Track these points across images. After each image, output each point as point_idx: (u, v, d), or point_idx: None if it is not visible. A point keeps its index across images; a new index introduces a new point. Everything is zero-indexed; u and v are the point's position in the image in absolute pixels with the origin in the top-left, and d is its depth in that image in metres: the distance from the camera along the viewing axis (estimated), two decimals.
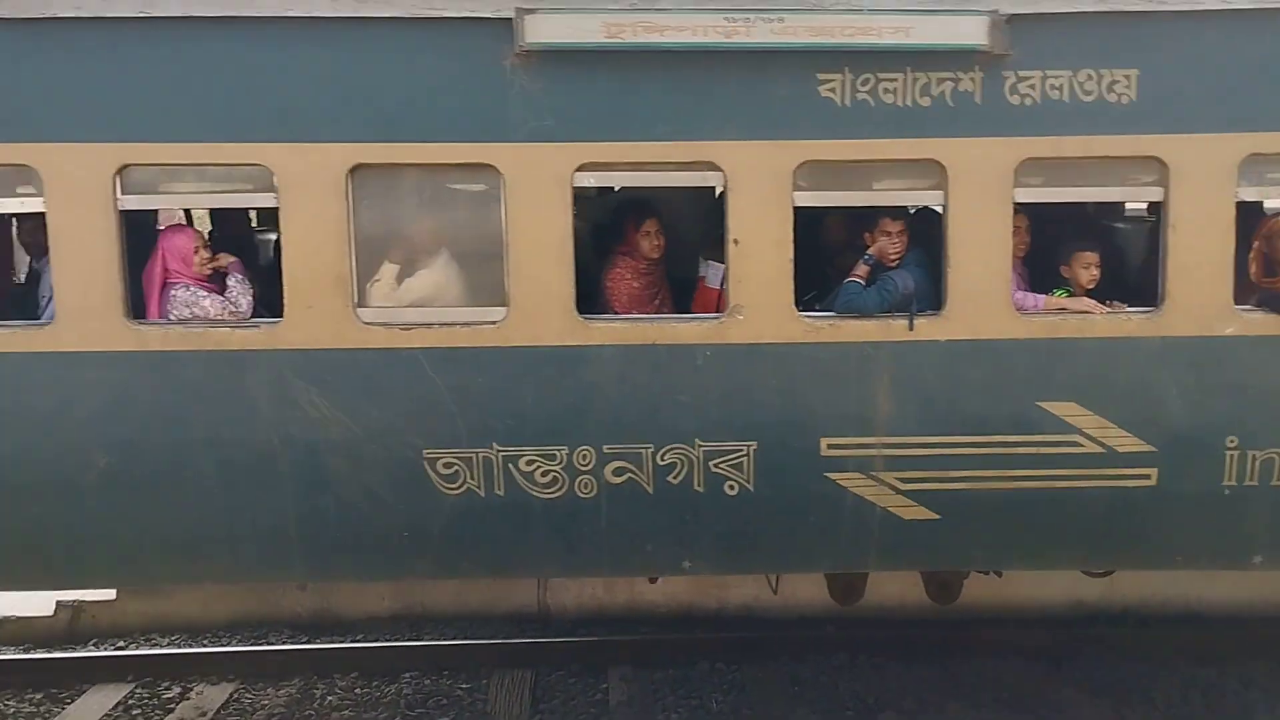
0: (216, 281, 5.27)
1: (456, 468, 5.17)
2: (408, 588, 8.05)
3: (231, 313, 5.10)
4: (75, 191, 4.91)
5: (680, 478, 5.21)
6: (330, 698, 7.03)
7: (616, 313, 5.40)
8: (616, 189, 6.10)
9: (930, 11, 4.90)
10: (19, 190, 5.06)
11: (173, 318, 5.12)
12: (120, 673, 7.17)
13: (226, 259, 5.29)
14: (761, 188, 5.05)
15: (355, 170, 4.97)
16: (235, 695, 7.03)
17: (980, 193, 5.05)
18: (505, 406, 5.14)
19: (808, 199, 5.11)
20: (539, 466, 5.19)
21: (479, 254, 5.20)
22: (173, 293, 5.13)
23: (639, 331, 5.16)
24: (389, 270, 5.18)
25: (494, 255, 5.11)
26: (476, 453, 5.16)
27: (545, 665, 7.41)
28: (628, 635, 7.80)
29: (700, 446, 5.19)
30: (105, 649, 7.63)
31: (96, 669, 7.20)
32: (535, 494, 5.22)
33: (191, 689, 7.10)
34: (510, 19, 4.89)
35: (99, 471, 5.07)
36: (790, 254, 5.09)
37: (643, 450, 5.19)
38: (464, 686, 7.16)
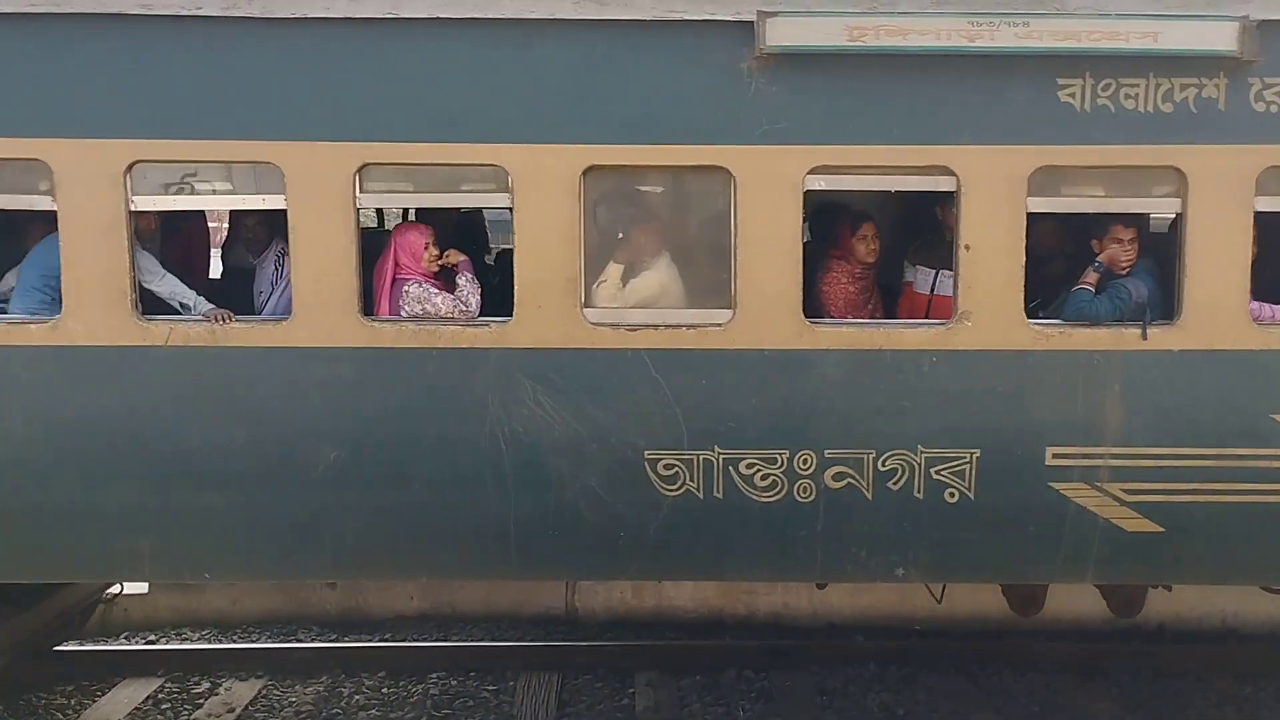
0: (442, 279, 5.32)
1: (677, 469, 5.18)
2: (437, 588, 8.10)
3: (462, 311, 5.14)
4: (317, 189, 4.97)
5: (900, 484, 5.18)
6: (358, 696, 7.09)
7: (831, 317, 5.38)
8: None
9: (1180, 16, 4.82)
10: (260, 187, 5.13)
11: (404, 313, 5.18)
12: (150, 667, 7.28)
13: (456, 256, 5.34)
14: (995, 193, 5.00)
15: (589, 171, 5.00)
16: (263, 691, 7.11)
17: (1220, 201, 4.97)
18: (728, 409, 5.13)
19: (1041, 205, 5.05)
20: (759, 470, 5.18)
21: (705, 256, 5.22)
22: (405, 288, 5.19)
23: (865, 336, 5.13)
24: (615, 271, 5.20)
25: (720, 257, 5.11)
26: (698, 454, 5.16)
27: (572, 669, 7.42)
28: (655, 640, 7.81)
29: (922, 453, 5.15)
30: (136, 643, 7.76)
31: (127, 663, 7.30)
32: (753, 497, 5.21)
33: (221, 684, 7.19)
34: (751, 22, 4.89)
35: (327, 465, 5.14)
36: (1022, 261, 5.03)
37: (864, 456, 5.16)
38: (490, 688, 7.20)
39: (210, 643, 7.72)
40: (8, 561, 5.25)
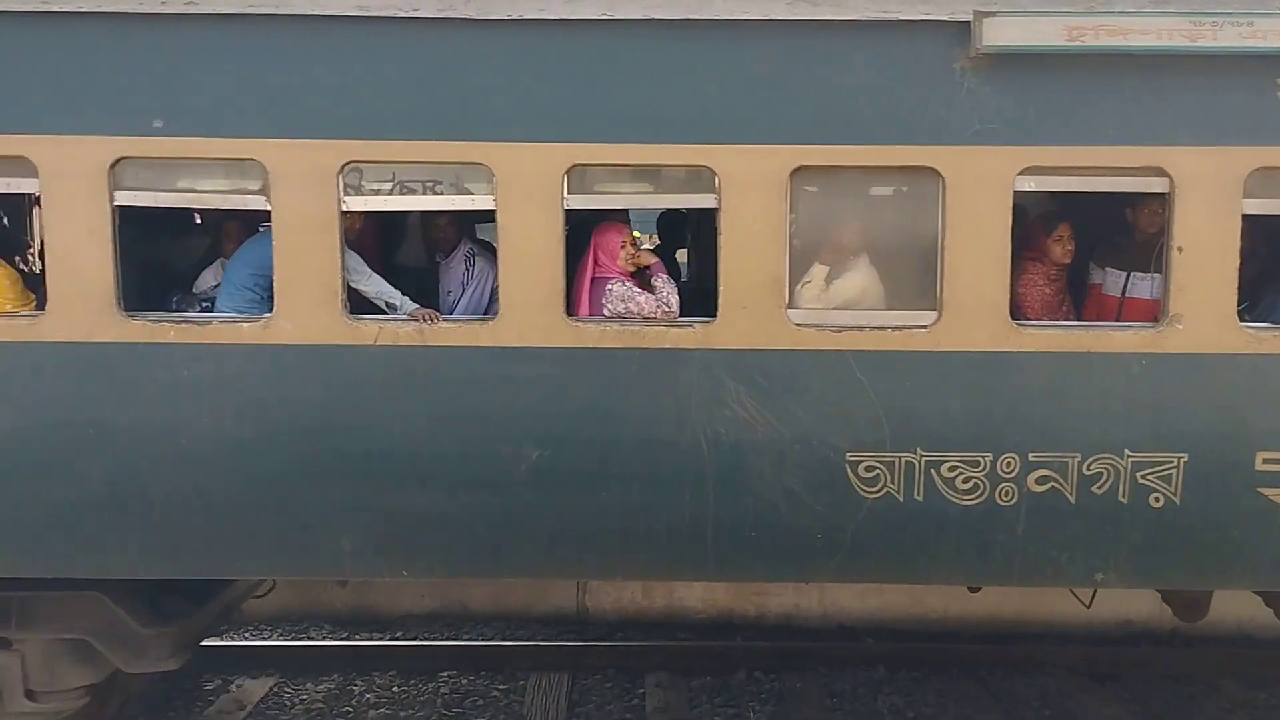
0: (637, 278, 5.34)
1: (878, 471, 5.15)
2: (448, 587, 8.09)
3: (665, 311, 5.15)
4: (526, 190, 4.99)
5: (1105, 488, 5.12)
6: (368, 695, 7.10)
7: (1027, 319, 5.33)
8: None
9: None
10: (469, 187, 5.16)
11: (606, 311, 5.19)
12: None
13: (649, 258, 5.34)
14: (1210, 195, 4.93)
15: (796, 172, 4.99)
16: (275, 689, 7.13)
17: None
18: (932, 411, 5.10)
19: (1257, 207, 4.98)
20: (961, 473, 5.15)
21: (910, 257, 5.19)
22: (609, 286, 5.20)
23: (1073, 338, 5.08)
24: (819, 272, 5.18)
25: (925, 258, 5.09)
26: (899, 457, 5.14)
27: (582, 669, 7.41)
28: (665, 641, 7.78)
29: (1129, 457, 5.09)
30: None
31: None
32: (954, 500, 5.17)
33: (232, 682, 7.22)
34: (965, 22, 4.86)
35: (529, 465, 5.16)
36: (1236, 263, 4.97)
37: (1069, 459, 5.11)
38: (501, 687, 7.21)
39: (221, 640, 7.74)
40: (208, 557, 5.31)
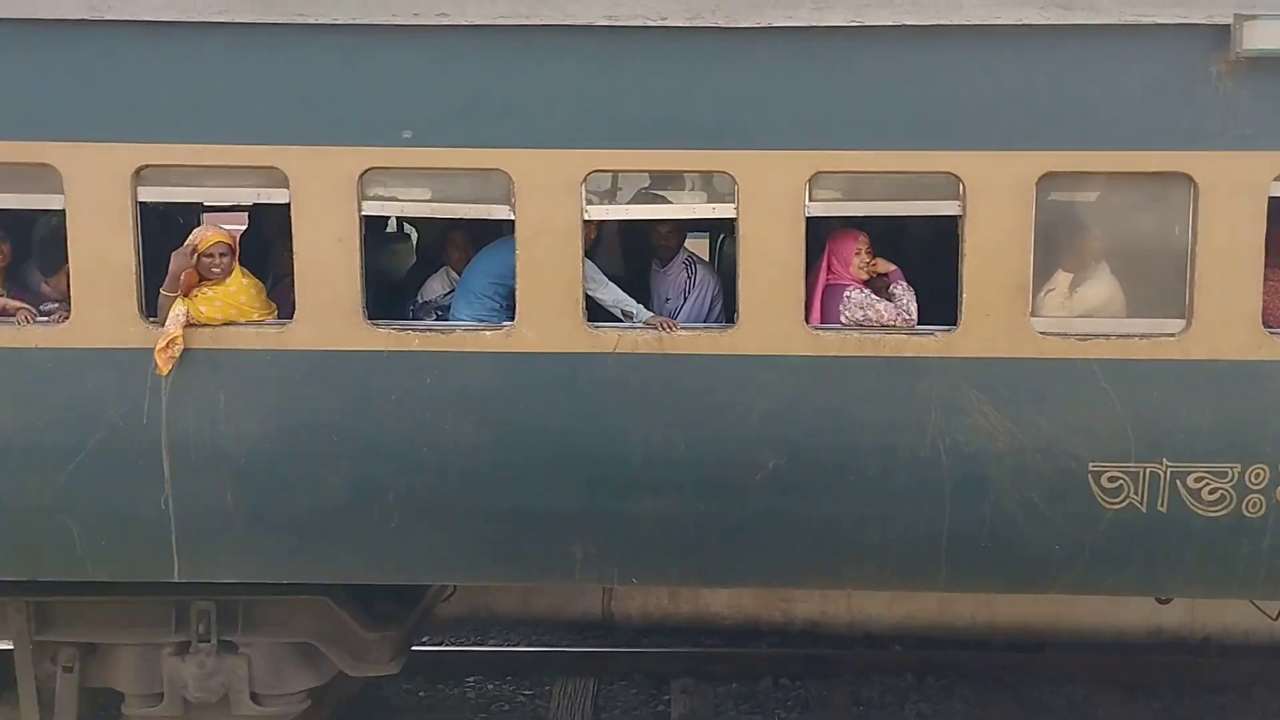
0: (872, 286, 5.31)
1: (1121, 481, 5.07)
2: (474, 592, 8.00)
3: (905, 319, 5.11)
4: (769, 198, 4.98)
5: None
6: (395, 699, 7.06)
7: (1269, 327, 5.22)
8: None
9: None
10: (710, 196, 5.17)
11: (844, 318, 5.17)
12: None
13: (886, 265, 5.31)
14: None
15: (1043, 178, 4.93)
16: None
17: None
18: (1180, 421, 5.01)
19: None
20: (1207, 484, 5.05)
21: (1156, 264, 5.11)
22: (847, 294, 5.18)
23: None
24: (1064, 279, 5.12)
25: (1173, 265, 5.01)
26: (1144, 467, 5.05)
27: (608, 674, 7.36)
28: (691, 647, 7.70)
29: None
30: None
31: None
32: (1198, 511, 5.07)
33: None
34: (1223, 25, 4.78)
35: (766, 473, 5.14)
36: None
37: None
38: (527, 693, 7.19)
39: None
40: (443, 563, 5.37)
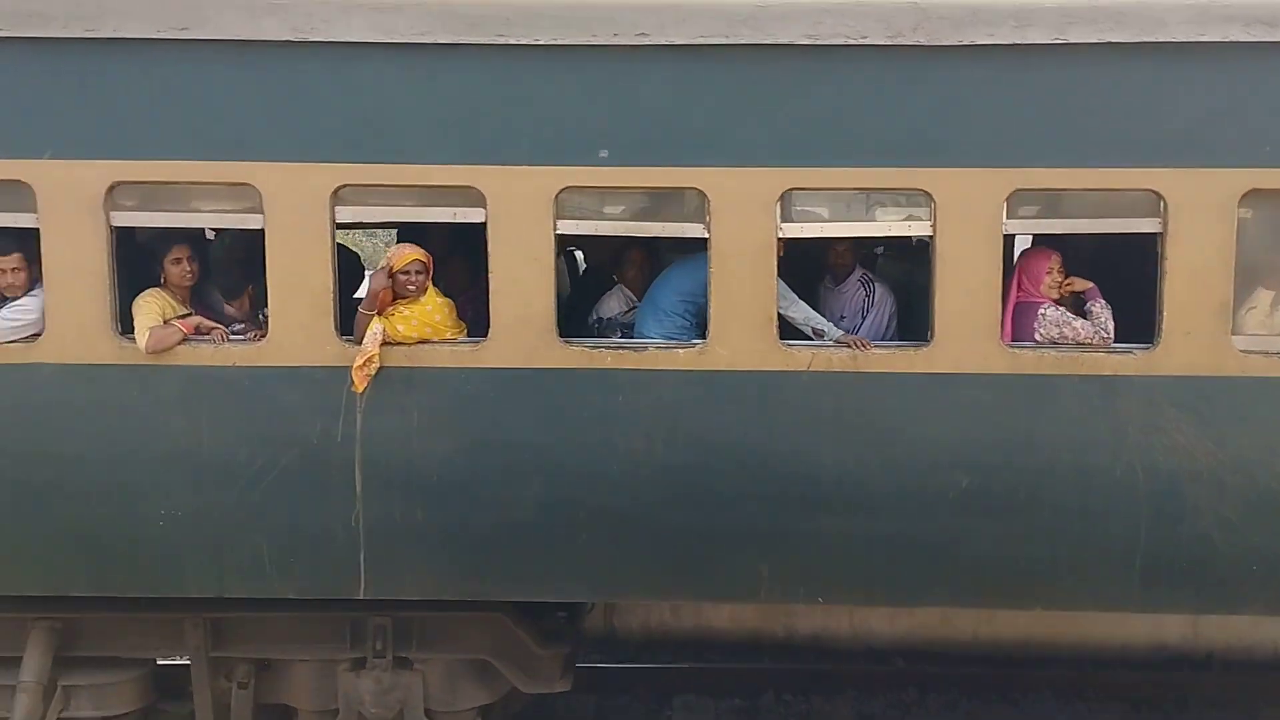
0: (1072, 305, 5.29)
1: None
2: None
3: (1102, 338, 5.08)
4: (967, 215, 4.96)
5: None
6: None
7: None
8: None
9: None
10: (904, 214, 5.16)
11: (1037, 336, 5.14)
12: None
13: (1083, 283, 5.28)
14: None
15: (1246, 195, 4.90)
16: None
17: None
18: None
19: None
20: None
21: None
22: (1041, 312, 5.16)
23: None
24: (1265, 297, 5.09)
25: None
26: None
27: (609, 689, 7.30)
28: (693, 663, 7.64)
29: None
30: None
31: None
32: None
33: None
34: None
35: (958, 492, 5.11)
36: None
37: None
38: (529, 708, 6.97)
39: None
40: (630, 580, 5.36)
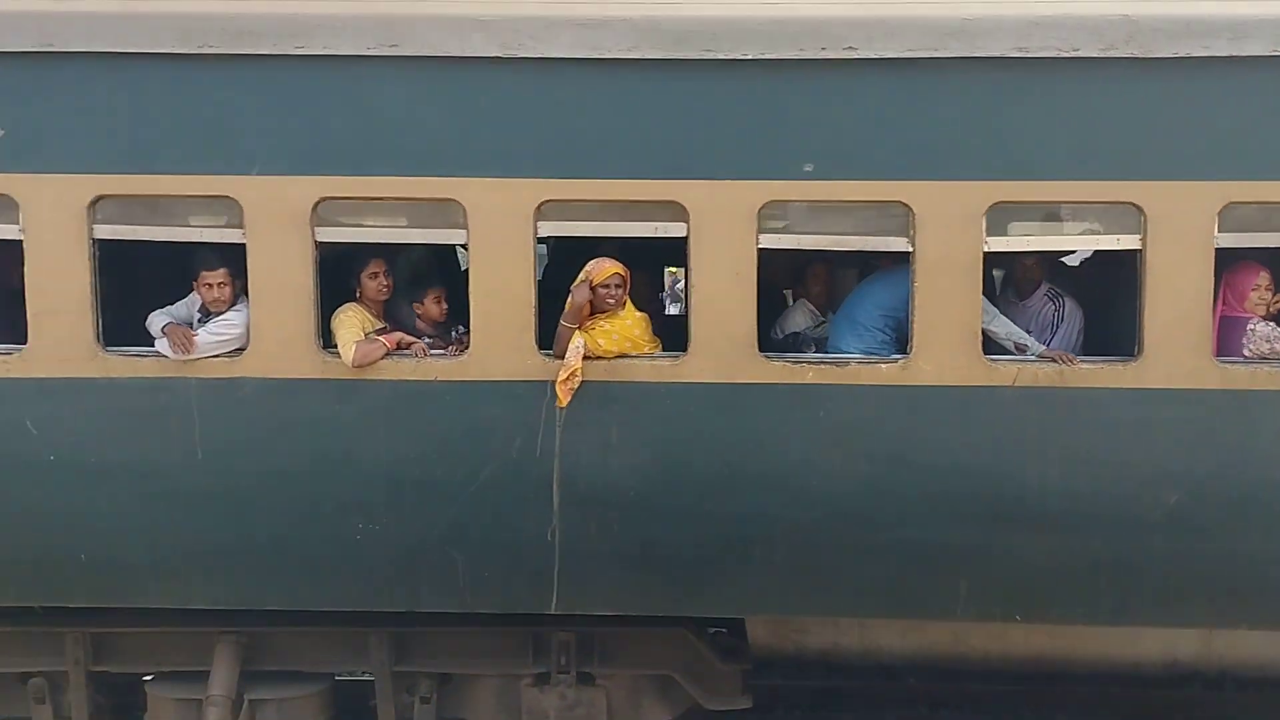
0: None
1: None
2: None
3: None
4: (1178, 229, 4.91)
5: None
6: None
7: None
8: None
9: None
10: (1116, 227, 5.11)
11: (1246, 351, 5.08)
12: None
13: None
14: None
15: None
16: None
17: None
18: None
19: None
20: None
21: None
22: (1250, 327, 5.09)
23: None
24: None
25: None
26: None
27: None
28: None
29: None
30: None
31: None
32: None
33: None
34: None
35: (1166, 510, 5.04)
36: None
37: None
38: None
39: None
40: (823, 596, 5.34)
